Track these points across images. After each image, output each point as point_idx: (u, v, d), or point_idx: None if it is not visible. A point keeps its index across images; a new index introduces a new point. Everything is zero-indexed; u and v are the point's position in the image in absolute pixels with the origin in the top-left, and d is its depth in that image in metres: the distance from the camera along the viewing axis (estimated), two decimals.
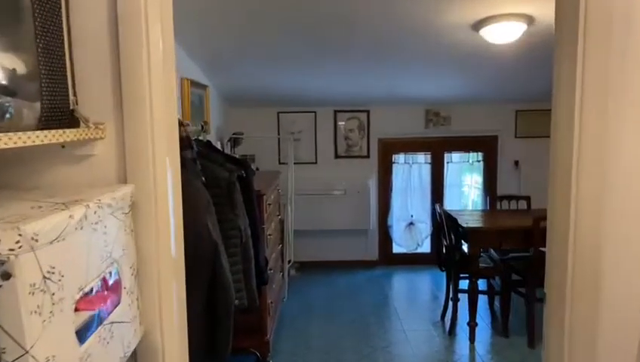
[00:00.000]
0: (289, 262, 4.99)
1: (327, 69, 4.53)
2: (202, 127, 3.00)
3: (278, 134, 5.85)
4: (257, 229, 3.08)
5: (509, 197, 4.80)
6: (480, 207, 6.08)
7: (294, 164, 5.68)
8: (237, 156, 3.25)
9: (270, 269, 3.79)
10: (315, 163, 5.92)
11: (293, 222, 5.35)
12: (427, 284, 5.59)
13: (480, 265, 3.98)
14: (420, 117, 5.88)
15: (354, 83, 5.03)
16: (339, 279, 5.65)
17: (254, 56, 4.07)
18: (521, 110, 5.88)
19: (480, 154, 6.03)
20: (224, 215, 2.60)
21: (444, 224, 4.13)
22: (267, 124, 5.84)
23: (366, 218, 5.84)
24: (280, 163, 5.84)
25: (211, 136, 4.49)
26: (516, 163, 5.92)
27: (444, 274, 4.47)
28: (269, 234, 3.72)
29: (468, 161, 6.09)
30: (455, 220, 4.04)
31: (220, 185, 2.61)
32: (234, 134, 4.95)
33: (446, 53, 4.10)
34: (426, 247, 6.12)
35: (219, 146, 4.23)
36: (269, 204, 3.74)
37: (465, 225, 3.87)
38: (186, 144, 2.50)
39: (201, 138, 2.97)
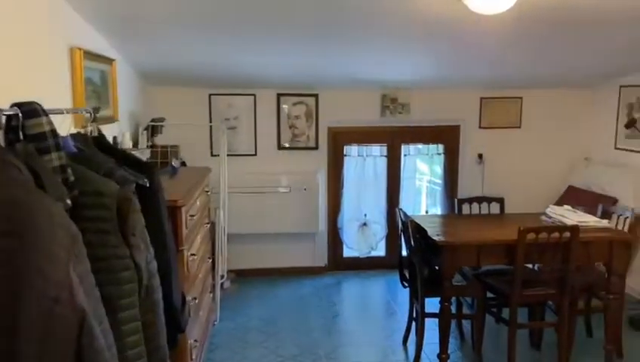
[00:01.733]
0: (221, 277, 4.14)
1: (269, 44, 3.66)
2: (91, 114, 2.10)
3: (210, 121, 4.93)
4: (169, 258, 2.23)
5: (479, 200, 4.14)
6: (441, 205, 5.44)
7: (230, 156, 4.78)
8: (140, 157, 2.35)
9: (194, 299, 2.94)
10: (255, 155, 5.06)
11: (228, 226, 4.49)
12: (383, 295, 4.90)
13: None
14: (376, 103, 5.13)
15: (300, 61, 4.19)
16: (282, 290, 4.85)
17: (181, 23, 3.15)
18: (487, 97, 5.25)
19: (441, 146, 5.37)
20: (109, 250, 1.73)
21: (409, 235, 3.40)
22: (196, 108, 4.91)
23: (314, 219, 5.05)
24: (212, 155, 4.94)
25: (121, 125, 3.53)
26: (480, 156, 5.31)
27: (408, 290, 3.76)
28: (192, 255, 2.86)
29: (427, 154, 5.42)
30: (424, 231, 3.32)
31: (105, 205, 1.74)
32: (152, 121, 4.00)
33: (406, 28, 3.35)
34: (380, 250, 5.43)
35: (125, 140, 3.29)
36: (192, 216, 2.87)
37: (438, 239, 3.16)
38: (46, 145, 1.61)
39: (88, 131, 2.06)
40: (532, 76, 4.84)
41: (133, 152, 3.02)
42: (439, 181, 5.46)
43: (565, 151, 5.35)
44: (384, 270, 5.33)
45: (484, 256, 3.22)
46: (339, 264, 5.39)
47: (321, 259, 5.31)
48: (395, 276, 5.09)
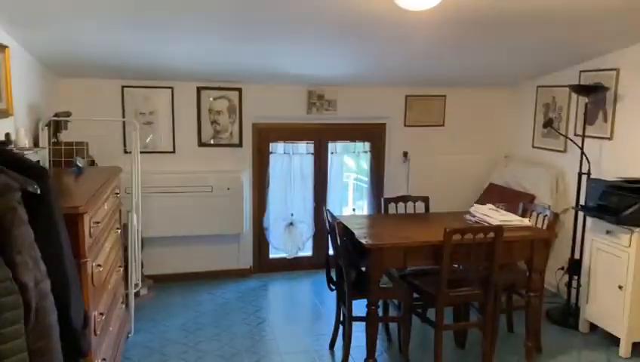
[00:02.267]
0: (135, 285, 3.83)
1: (189, 33, 3.41)
2: None
3: (123, 115, 4.56)
4: (66, 273, 1.96)
5: (405, 199, 4.11)
6: (368, 203, 5.39)
7: (146, 153, 4.47)
8: (31, 159, 2.05)
9: (101, 314, 2.65)
10: (173, 152, 4.76)
11: (145, 229, 4.18)
12: (310, 297, 4.77)
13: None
14: (302, 99, 4.99)
15: (222, 53, 3.95)
16: (204, 296, 4.60)
17: (90, 6, 2.82)
18: (412, 95, 5.26)
19: (367, 144, 5.32)
20: None
21: (336, 237, 3.29)
22: (108, 101, 4.53)
23: (238, 220, 4.83)
24: (126, 152, 4.58)
25: (17, 120, 3.14)
26: (405, 154, 5.31)
27: (335, 293, 3.65)
28: (98, 266, 2.57)
29: (354, 152, 5.35)
30: (351, 233, 3.22)
31: None
32: (56, 115, 3.61)
33: (335, 21, 3.23)
34: (307, 250, 5.30)
35: (19, 138, 2.91)
36: (98, 223, 2.58)
37: (365, 242, 3.06)
38: None
39: None
40: (456, 75, 4.89)
41: (27, 152, 2.68)
42: (366, 178, 5.40)
43: (487, 149, 5.47)
44: (311, 270, 5.21)
45: (411, 257, 3.16)
46: (265, 266, 5.20)
47: (246, 261, 5.10)
48: (323, 276, 5.00)
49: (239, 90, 4.81)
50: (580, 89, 4.13)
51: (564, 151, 4.70)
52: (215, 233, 4.80)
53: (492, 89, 5.41)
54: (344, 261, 3.26)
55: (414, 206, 4.12)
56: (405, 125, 5.30)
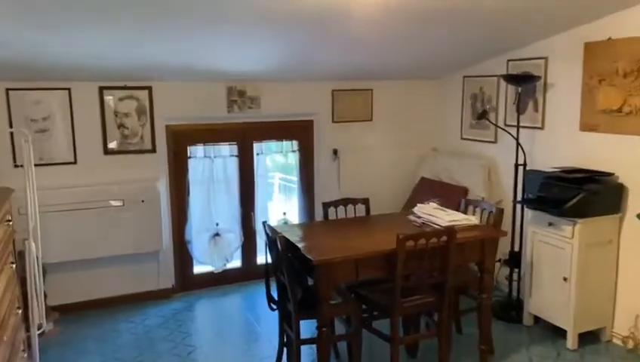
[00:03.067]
0: (39, 327, 3.21)
1: (84, 22, 2.85)
2: None
3: (10, 123, 3.85)
4: None
5: (344, 202, 3.82)
6: (299, 205, 5.05)
7: (42, 166, 3.81)
8: None
9: None
10: (74, 163, 4.11)
11: (46, 254, 3.54)
12: (243, 315, 4.34)
13: None
14: (221, 97, 4.52)
15: (127, 46, 3.41)
16: (122, 324, 4.03)
17: None
18: (338, 90, 4.97)
19: (295, 142, 4.97)
20: None
21: (277, 253, 2.92)
22: None
23: (156, 235, 4.29)
24: (16, 166, 3.88)
25: None
26: (335, 152, 5.03)
27: (277, 313, 3.28)
28: None
29: (281, 152, 4.98)
30: (295, 248, 2.86)
31: None
32: None
33: (254, 13, 2.85)
34: (235, 260, 4.86)
35: None
36: None
37: (313, 259, 2.72)
38: None
39: None
40: (381, 67, 4.66)
41: None
42: (295, 179, 5.05)
43: (416, 143, 5.32)
44: (242, 282, 4.82)
45: (363, 269, 2.87)
46: (189, 283, 4.70)
47: (168, 280, 4.57)
48: (254, 289, 4.65)
49: (149, 88, 4.26)
50: (511, 78, 4.05)
51: (495, 141, 4.65)
52: (130, 252, 4.23)
53: (418, 81, 5.26)
54: (289, 278, 2.90)
55: (355, 209, 3.84)
56: (333, 121, 5.01)
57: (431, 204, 3.58)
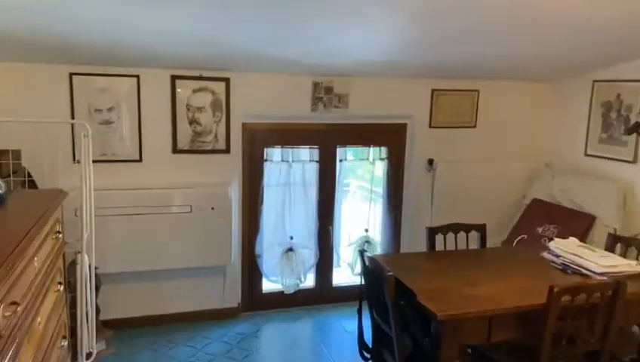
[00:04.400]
0: (87, 357, 2.70)
1: (157, 1, 2.31)
2: None
3: (72, 112, 3.41)
4: None
5: (456, 227, 3.11)
6: (383, 221, 4.37)
7: (102, 163, 3.35)
8: None
9: None
10: (140, 161, 3.62)
11: (98, 263, 3.06)
12: (315, 346, 3.71)
13: None
14: (306, 93, 3.92)
15: (204, 30, 2.85)
16: (180, 349, 3.50)
17: None
18: (440, 89, 4.26)
19: (384, 149, 4.30)
20: None
21: (380, 294, 2.26)
22: (50, 93, 3.36)
23: (224, 247, 3.75)
24: (77, 162, 3.42)
25: None
26: (430, 162, 4.31)
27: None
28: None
29: (368, 159, 4.32)
30: (411, 293, 2.19)
31: None
32: None
33: None
34: (308, 280, 4.25)
35: None
36: (15, 304, 1.48)
37: (439, 314, 2.03)
38: None
39: None
40: (491, 63, 3.89)
41: None
42: (380, 191, 4.38)
43: (526, 156, 4.52)
44: (314, 306, 4.21)
45: (497, 328, 2.16)
46: (256, 302, 4.14)
47: (234, 298, 4.02)
48: (329, 313, 4.07)
49: (226, 80, 3.71)
50: None
51: (634, 161, 3.79)
52: (194, 265, 3.71)
53: (533, 83, 4.46)
54: (396, 329, 2.23)
55: (467, 237, 3.13)
56: (430, 126, 4.29)
57: (571, 239, 2.82)
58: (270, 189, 4.03)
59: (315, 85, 3.91)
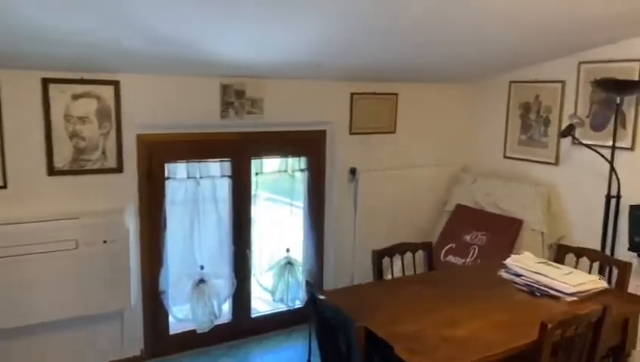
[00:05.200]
0: None
1: None
2: None
3: None
4: None
5: (401, 248, 2.76)
6: (306, 238, 3.93)
7: None
8: None
9: None
10: (4, 188, 2.82)
11: None
12: None
13: None
14: (214, 98, 3.37)
15: (83, 23, 2.20)
16: None
17: None
18: (359, 93, 3.92)
19: (303, 159, 3.87)
20: None
21: (333, 341, 1.82)
22: None
23: (122, 288, 3.07)
24: None
25: None
26: (353, 171, 3.97)
27: None
28: None
29: (286, 171, 3.86)
30: (386, 346, 1.77)
31: None
32: None
33: None
34: (225, 314, 3.69)
35: None
36: None
37: None
38: None
39: None
40: (409, 64, 3.62)
41: None
42: (301, 205, 3.94)
43: (447, 160, 4.35)
44: (233, 342, 3.68)
45: None
46: (163, 346, 3.49)
47: (136, 345, 3.34)
48: (249, 349, 3.58)
49: (115, 83, 3.03)
50: (610, 85, 3.13)
51: (556, 163, 3.75)
52: (84, 314, 2.99)
53: (450, 85, 4.30)
54: None
55: (413, 257, 2.79)
56: (351, 133, 3.95)
57: (526, 254, 2.60)
58: (175, 212, 3.41)
59: (224, 88, 3.37)
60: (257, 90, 3.48)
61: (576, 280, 2.28)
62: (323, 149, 3.92)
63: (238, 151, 3.56)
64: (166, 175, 3.36)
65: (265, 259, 3.81)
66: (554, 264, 2.47)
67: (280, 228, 3.88)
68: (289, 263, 3.87)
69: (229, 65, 3.08)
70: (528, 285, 2.35)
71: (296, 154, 3.81)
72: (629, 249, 2.89)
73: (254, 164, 3.66)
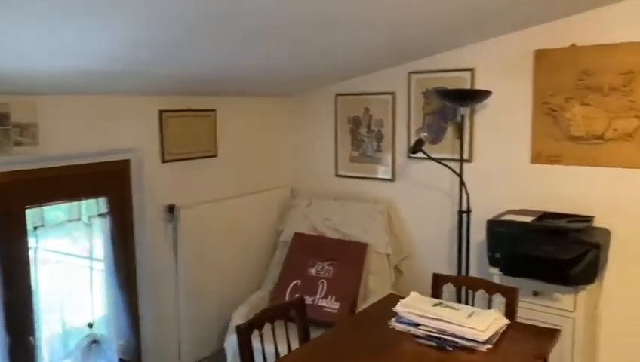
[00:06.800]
0: None
1: None
2: None
3: None
4: None
5: (269, 315, 2.10)
6: (112, 309, 2.97)
7: None
8: None
9: None
10: None
11: None
12: None
13: None
14: None
15: None
16: None
17: None
18: (169, 110, 3.14)
19: (102, 201, 2.91)
20: None
21: None
22: None
23: None
24: None
25: None
26: (170, 209, 3.16)
27: None
28: None
29: (78, 219, 2.85)
30: None
31: None
32: None
33: None
34: None
35: None
36: None
37: None
38: None
39: None
40: (227, 75, 3.02)
41: None
42: (103, 262, 2.97)
43: (275, 184, 3.83)
44: None
45: None
46: None
47: None
48: None
49: None
50: (455, 95, 2.97)
51: (393, 179, 3.54)
52: None
53: (272, 98, 3.81)
54: None
55: (285, 324, 2.16)
56: (164, 161, 3.13)
57: (413, 294, 2.21)
58: None
59: None
60: (28, 112, 2.45)
61: (483, 324, 1.95)
62: (128, 185, 3.02)
63: (6, 200, 2.47)
64: None
65: (59, 345, 2.75)
66: (450, 304, 2.12)
67: (77, 297, 2.85)
68: (94, 341, 2.87)
69: None
70: (433, 337, 1.95)
71: (91, 194, 2.84)
72: (490, 264, 2.75)
73: (31, 214, 2.59)
